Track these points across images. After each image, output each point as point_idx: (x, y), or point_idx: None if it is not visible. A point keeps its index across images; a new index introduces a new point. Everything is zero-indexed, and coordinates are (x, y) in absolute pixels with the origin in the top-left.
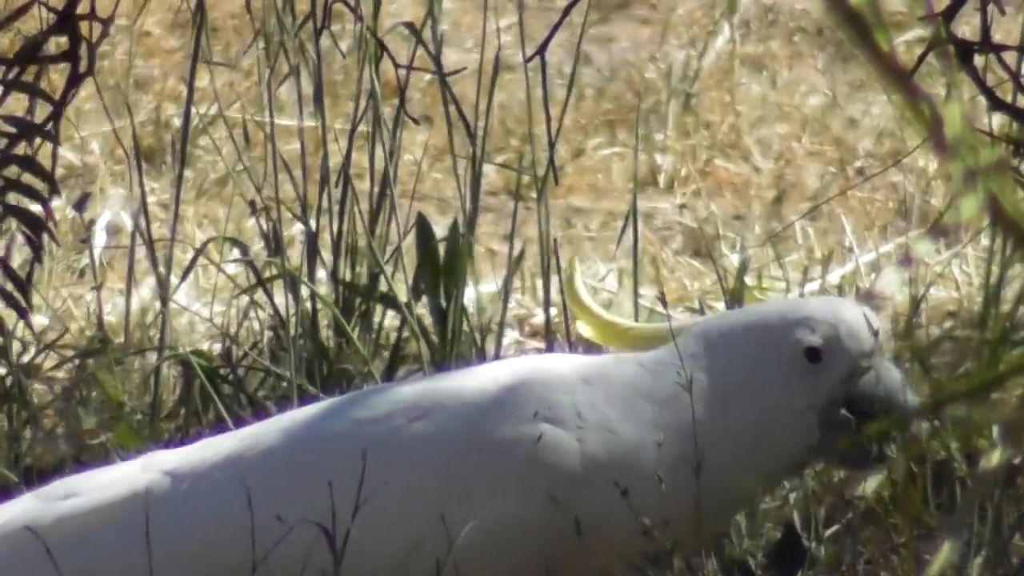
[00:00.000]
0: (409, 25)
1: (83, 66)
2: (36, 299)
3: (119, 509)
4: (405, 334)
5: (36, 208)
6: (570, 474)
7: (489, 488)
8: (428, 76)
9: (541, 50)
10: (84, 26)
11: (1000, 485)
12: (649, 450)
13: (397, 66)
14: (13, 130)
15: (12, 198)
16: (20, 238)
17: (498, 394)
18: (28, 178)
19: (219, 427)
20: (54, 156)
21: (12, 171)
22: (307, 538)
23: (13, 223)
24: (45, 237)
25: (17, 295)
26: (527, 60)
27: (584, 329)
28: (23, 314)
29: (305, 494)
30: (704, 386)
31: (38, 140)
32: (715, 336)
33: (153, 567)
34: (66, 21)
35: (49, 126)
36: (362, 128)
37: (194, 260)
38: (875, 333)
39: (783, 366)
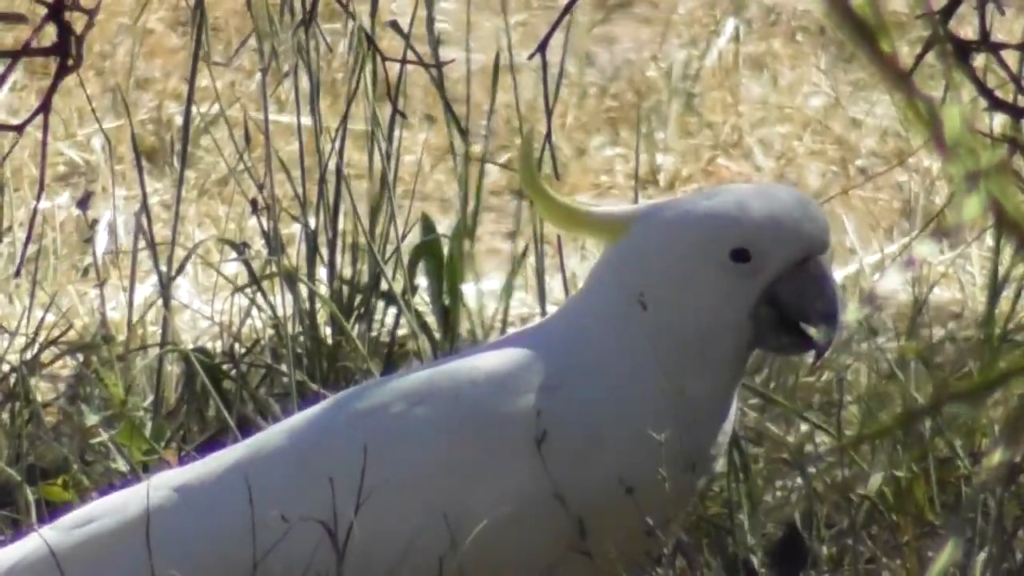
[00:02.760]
0: (393, 23)
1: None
2: (41, 296)
3: (134, 530)
4: (405, 332)
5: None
6: (572, 445)
7: (496, 466)
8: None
9: (542, 46)
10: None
11: (1003, 483)
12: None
13: (385, 60)
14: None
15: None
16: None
17: (492, 373)
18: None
19: (220, 423)
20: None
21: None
22: (316, 536)
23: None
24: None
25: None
26: (530, 56)
27: (541, 212)
28: None
29: (312, 492)
30: (651, 291)
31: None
32: (652, 233)
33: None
34: (56, 14)
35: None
36: (364, 128)
37: (187, 258)
38: (815, 228)
39: (711, 270)
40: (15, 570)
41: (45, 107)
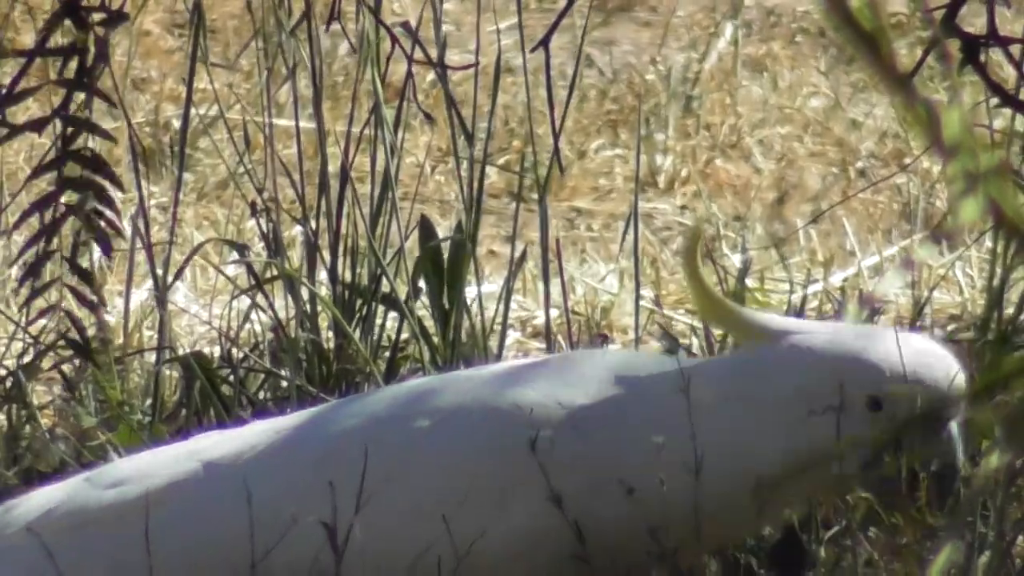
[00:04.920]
0: (405, 24)
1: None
2: (38, 300)
3: (158, 502)
4: (406, 335)
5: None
6: (582, 478)
7: (511, 494)
8: (430, 78)
9: (544, 43)
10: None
11: (1002, 486)
12: (655, 452)
13: (410, 60)
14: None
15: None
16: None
17: (516, 396)
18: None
19: (220, 427)
20: (59, 153)
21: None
22: (321, 542)
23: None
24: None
25: (85, 290)
26: (532, 50)
27: (694, 301)
28: (94, 310)
29: (325, 496)
30: (758, 407)
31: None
32: (789, 362)
33: (184, 562)
34: (74, 13)
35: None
36: (365, 130)
37: (187, 260)
38: (954, 391)
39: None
40: (53, 513)
41: (64, 108)
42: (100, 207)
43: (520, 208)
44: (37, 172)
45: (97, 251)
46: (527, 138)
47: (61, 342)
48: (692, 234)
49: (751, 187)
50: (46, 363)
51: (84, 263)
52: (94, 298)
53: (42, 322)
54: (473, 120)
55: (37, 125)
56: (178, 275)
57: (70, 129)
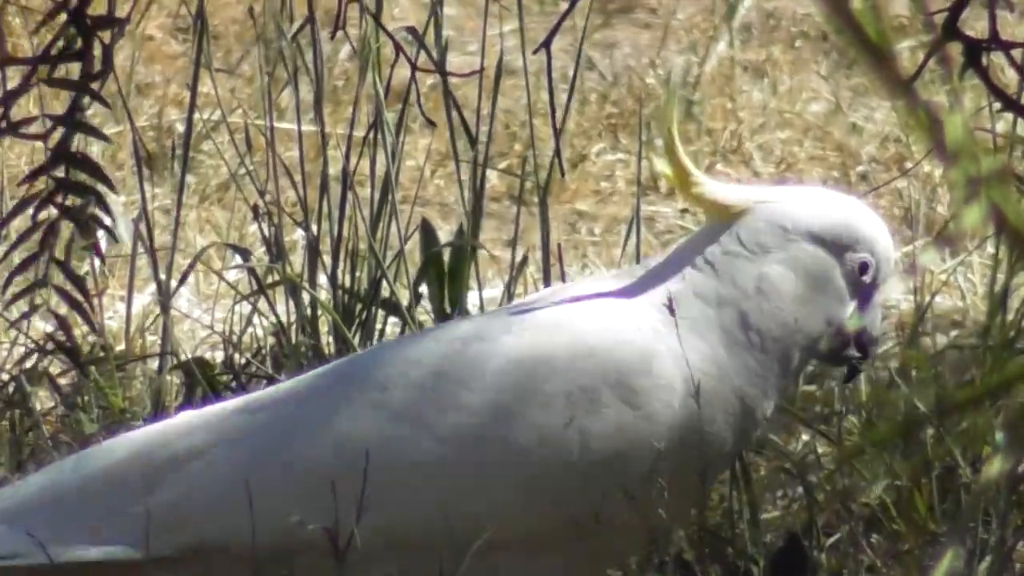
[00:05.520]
0: (411, 29)
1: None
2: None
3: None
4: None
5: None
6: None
7: (614, 398)
8: (430, 82)
9: (545, 45)
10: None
11: (1004, 492)
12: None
13: (413, 67)
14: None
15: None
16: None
17: (600, 317)
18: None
19: None
20: (66, 158)
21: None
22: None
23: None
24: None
25: (78, 296)
26: (534, 52)
27: (662, 165)
28: (84, 314)
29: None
30: (770, 286)
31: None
32: (782, 232)
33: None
34: (78, 19)
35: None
36: (366, 133)
37: (192, 265)
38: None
39: (843, 280)
40: (218, 427)
41: (71, 116)
42: (97, 212)
43: (521, 212)
44: (35, 175)
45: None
46: (528, 142)
47: (58, 347)
48: (669, 96)
49: None
50: (52, 369)
51: (84, 267)
52: (83, 300)
53: (46, 328)
54: (477, 123)
55: (40, 135)
56: (182, 281)
57: (59, 131)
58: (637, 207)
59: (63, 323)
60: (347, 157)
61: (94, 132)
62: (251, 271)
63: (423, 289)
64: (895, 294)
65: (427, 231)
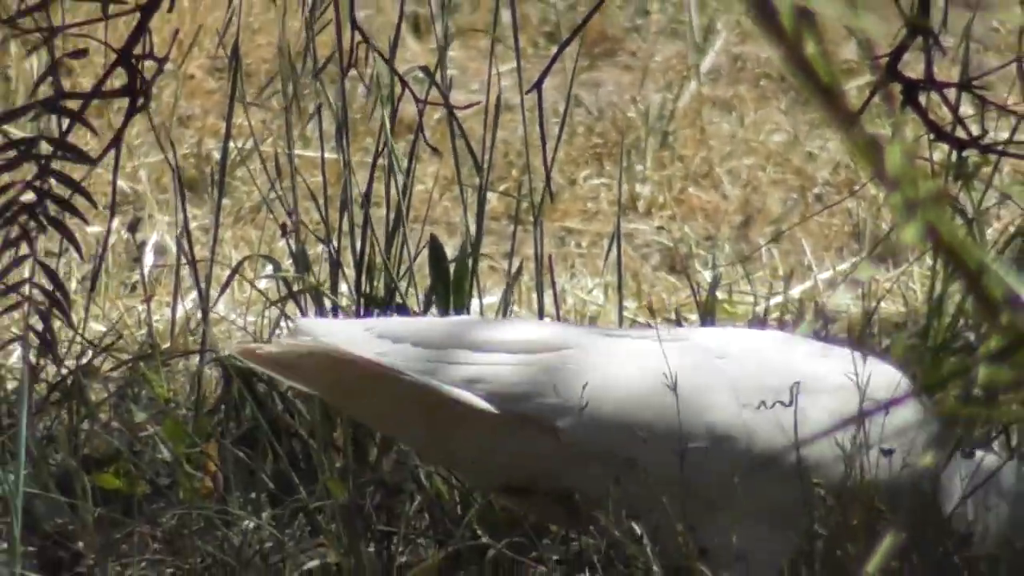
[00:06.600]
0: (424, 68)
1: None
2: (94, 309)
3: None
4: None
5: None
6: None
7: None
8: (437, 116)
9: (538, 85)
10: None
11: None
12: None
13: (418, 101)
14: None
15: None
16: (74, 255)
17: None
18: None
19: (254, 421)
20: (114, 181)
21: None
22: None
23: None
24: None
25: (59, 296)
26: (527, 92)
27: None
28: (66, 315)
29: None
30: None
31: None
32: None
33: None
34: (126, 60)
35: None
36: (380, 161)
37: (231, 276)
38: None
39: None
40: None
41: (117, 142)
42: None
43: (517, 229)
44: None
45: (147, 264)
46: (524, 168)
47: (116, 345)
48: None
49: (720, 211)
50: (102, 366)
51: (135, 276)
52: (61, 299)
53: (99, 328)
54: (482, 153)
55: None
56: (223, 290)
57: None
58: (618, 224)
59: (42, 315)
60: (370, 184)
61: (85, 159)
62: (281, 280)
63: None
64: (845, 300)
65: (435, 246)
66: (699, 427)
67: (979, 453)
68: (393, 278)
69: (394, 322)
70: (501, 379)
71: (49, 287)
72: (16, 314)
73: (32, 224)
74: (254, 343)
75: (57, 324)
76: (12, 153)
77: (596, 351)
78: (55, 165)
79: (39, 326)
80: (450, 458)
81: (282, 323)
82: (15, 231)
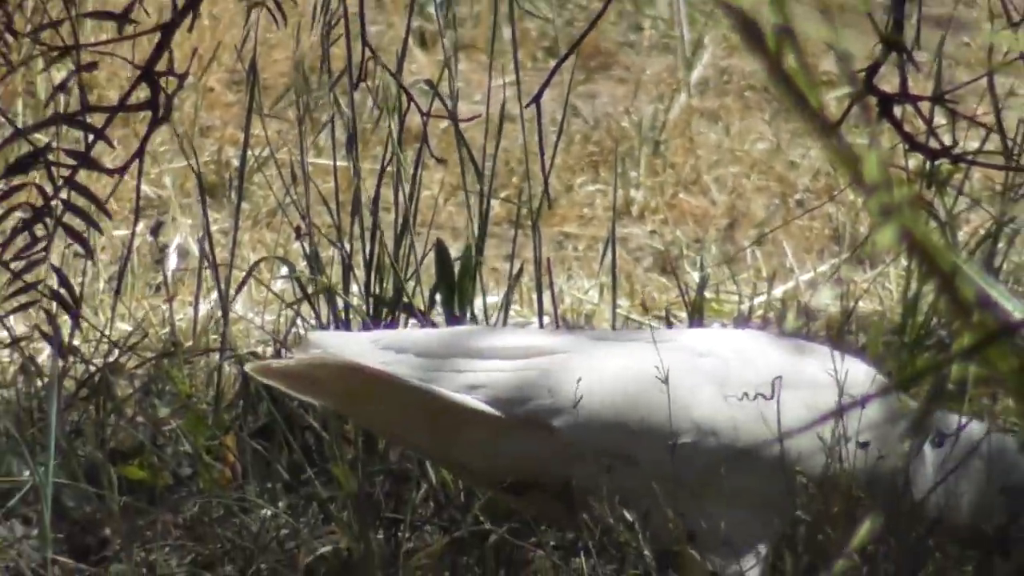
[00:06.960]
0: (428, 82)
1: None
2: (120, 309)
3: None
4: None
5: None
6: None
7: None
8: (443, 125)
9: (537, 98)
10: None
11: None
12: None
13: (423, 113)
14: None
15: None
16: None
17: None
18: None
19: (269, 416)
20: (137, 189)
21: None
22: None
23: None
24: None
25: (65, 294)
26: (527, 104)
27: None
28: (73, 313)
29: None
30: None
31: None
32: None
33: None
34: (148, 76)
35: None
36: (389, 168)
37: (247, 277)
38: None
39: None
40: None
41: (140, 153)
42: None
43: (518, 233)
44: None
45: (171, 265)
46: (524, 175)
47: (141, 343)
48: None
49: (708, 215)
50: (127, 362)
51: (158, 277)
52: (71, 301)
53: (125, 327)
54: (483, 160)
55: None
56: (239, 290)
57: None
58: (612, 229)
59: (50, 316)
60: (377, 191)
61: (101, 169)
62: (295, 281)
63: (437, 296)
64: (825, 300)
65: (441, 249)
66: (686, 422)
67: (964, 425)
68: (401, 279)
69: (398, 334)
70: (499, 384)
71: (63, 290)
72: (43, 313)
73: (47, 231)
74: (269, 359)
75: (84, 324)
76: (33, 163)
77: (587, 354)
78: (80, 174)
79: (65, 327)
80: (454, 461)
81: (297, 322)
82: (33, 234)
